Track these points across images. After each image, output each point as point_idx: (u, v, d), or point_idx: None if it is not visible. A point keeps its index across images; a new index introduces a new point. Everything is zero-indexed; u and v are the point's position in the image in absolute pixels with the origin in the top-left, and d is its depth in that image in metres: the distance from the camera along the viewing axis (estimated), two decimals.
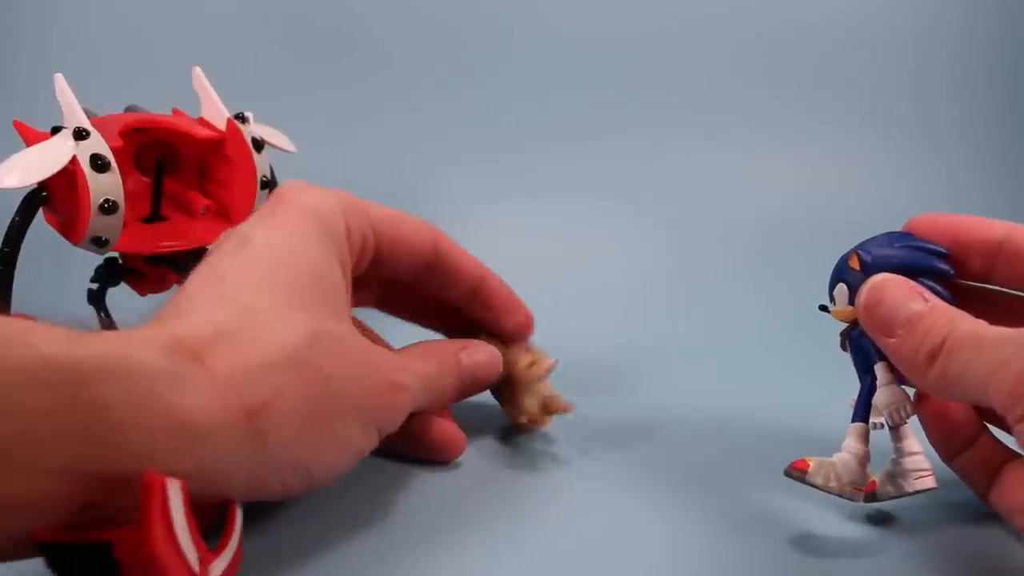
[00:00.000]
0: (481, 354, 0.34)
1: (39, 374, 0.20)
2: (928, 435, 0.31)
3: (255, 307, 0.26)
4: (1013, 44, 0.65)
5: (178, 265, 0.38)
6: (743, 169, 0.62)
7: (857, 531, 0.30)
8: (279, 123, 0.42)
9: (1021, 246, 0.29)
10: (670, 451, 0.36)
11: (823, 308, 0.31)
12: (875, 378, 0.29)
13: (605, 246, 0.57)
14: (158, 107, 0.41)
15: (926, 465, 0.29)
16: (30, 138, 0.36)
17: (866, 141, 0.64)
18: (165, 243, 0.37)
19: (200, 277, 0.27)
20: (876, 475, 0.30)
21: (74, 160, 0.33)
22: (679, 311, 0.52)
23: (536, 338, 0.37)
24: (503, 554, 0.29)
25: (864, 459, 0.29)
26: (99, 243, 0.35)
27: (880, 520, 0.31)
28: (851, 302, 0.30)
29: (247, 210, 0.39)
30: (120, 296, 0.40)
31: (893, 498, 0.30)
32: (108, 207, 0.34)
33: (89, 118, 0.35)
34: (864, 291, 0.29)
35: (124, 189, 0.34)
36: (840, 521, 0.31)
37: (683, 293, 0.54)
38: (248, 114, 0.39)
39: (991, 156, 0.64)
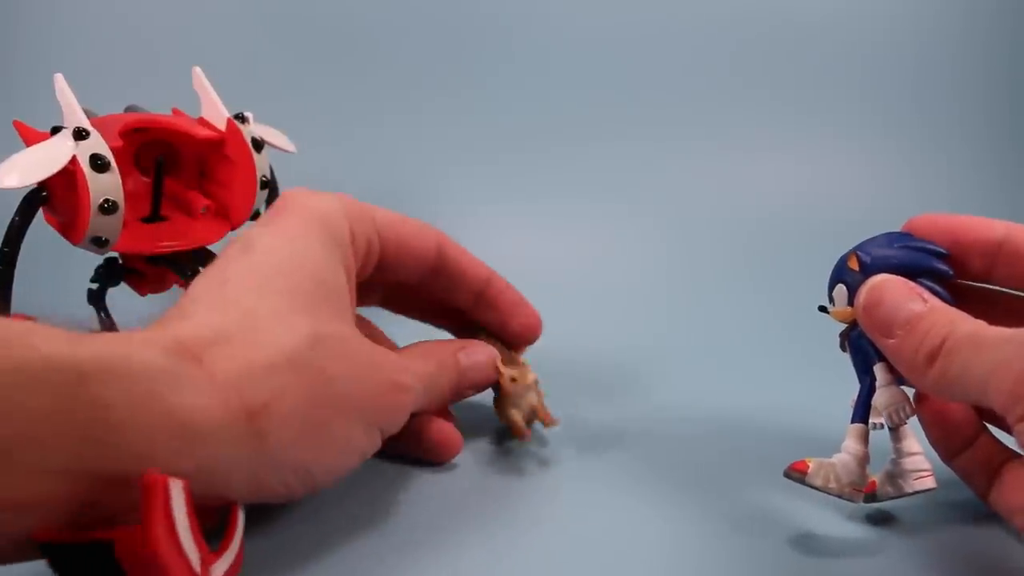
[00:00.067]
0: (480, 355, 0.34)
1: (39, 375, 0.20)
2: (928, 435, 0.31)
3: (256, 310, 0.26)
4: (1013, 44, 0.65)
5: (178, 265, 0.38)
6: (743, 169, 0.62)
7: (857, 531, 0.30)
8: (279, 123, 0.42)
9: (1021, 246, 0.29)
10: (670, 451, 0.36)
11: (822, 309, 0.31)
12: (874, 379, 0.29)
13: (605, 246, 0.57)
14: (158, 107, 0.41)
15: (926, 465, 0.29)
16: (30, 138, 0.36)
17: (866, 141, 0.64)
18: (165, 243, 0.37)
19: (203, 281, 0.27)
20: (876, 475, 0.30)
21: (74, 160, 0.33)
22: (679, 311, 0.52)
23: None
24: (503, 554, 0.29)
25: (864, 460, 0.29)
26: (99, 243, 0.35)
27: (880, 520, 0.31)
28: (850, 303, 0.30)
29: (247, 210, 0.39)
30: (120, 296, 0.40)
31: (893, 498, 0.30)
32: (108, 207, 0.34)
33: (89, 118, 0.35)
34: (863, 292, 0.29)
35: (124, 189, 0.34)
36: (840, 521, 0.31)
37: (683, 293, 0.54)
38: (248, 114, 0.39)
39: (991, 156, 0.64)
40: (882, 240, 0.30)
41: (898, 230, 0.31)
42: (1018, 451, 0.30)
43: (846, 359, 0.31)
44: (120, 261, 0.39)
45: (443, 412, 0.35)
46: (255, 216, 0.40)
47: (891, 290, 0.28)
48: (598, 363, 0.44)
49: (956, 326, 0.26)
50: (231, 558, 0.24)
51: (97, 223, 0.34)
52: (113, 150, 0.34)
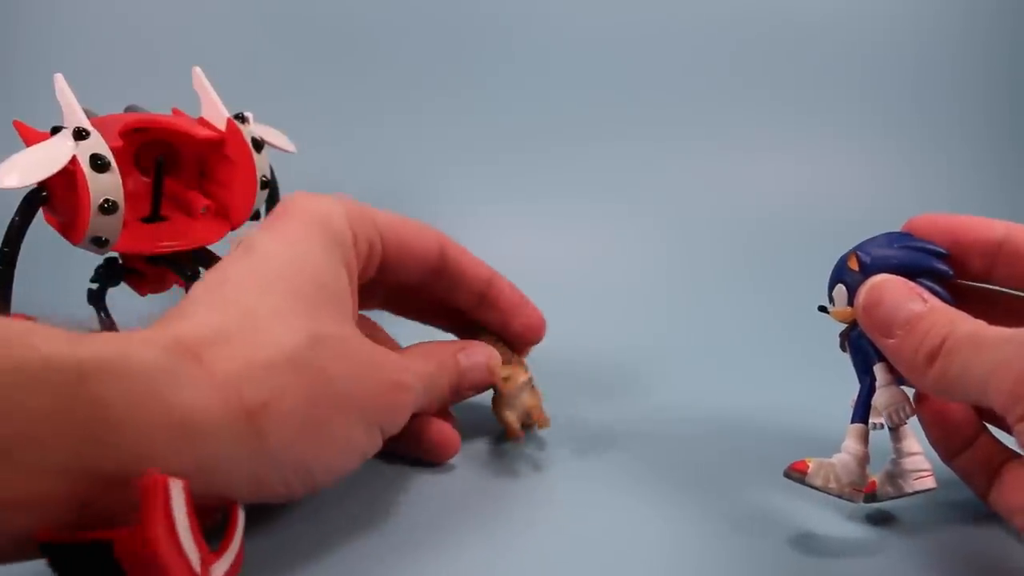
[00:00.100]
0: (479, 355, 0.34)
1: (39, 374, 0.20)
2: (928, 435, 0.31)
3: (256, 310, 0.26)
4: (1013, 44, 0.65)
5: (178, 265, 0.38)
6: (743, 169, 0.62)
7: (857, 531, 0.30)
8: (279, 123, 0.42)
9: (1021, 246, 0.29)
10: (670, 451, 0.36)
11: (822, 309, 0.31)
12: (874, 379, 0.29)
13: (605, 246, 0.57)
14: (158, 107, 0.41)
15: (926, 465, 0.29)
16: (30, 138, 0.36)
17: (866, 141, 0.64)
18: (165, 243, 0.37)
19: (204, 283, 0.28)
20: (876, 475, 0.30)
21: (74, 160, 0.33)
22: (679, 311, 0.52)
23: None
24: (503, 554, 0.29)
25: (863, 460, 0.29)
26: (99, 243, 0.35)
27: (880, 520, 0.31)
28: (850, 303, 0.30)
29: (247, 210, 0.39)
30: (120, 296, 0.40)
31: (893, 498, 0.30)
32: (108, 207, 0.34)
33: (89, 118, 0.35)
34: (863, 292, 0.29)
35: (124, 189, 0.34)
36: (840, 521, 0.31)
37: (683, 293, 0.54)
38: (248, 114, 0.39)
39: (991, 156, 0.64)
40: (882, 240, 0.30)
41: (898, 230, 0.31)
42: (1018, 451, 0.30)
43: (846, 359, 0.31)
44: (120, 261, 0.39)
45: (443, 412, 0.35)
46: (255, 216, 0.40)
47: (891, 290, 0.28)
48: (598, 363, 0.44)
49: (956, 326, 0.26)
50: (231, 558, 0.24)
51: (97, 223, 0.34)
52: (113, 150, 0.34)
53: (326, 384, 0.26)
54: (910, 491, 0.29)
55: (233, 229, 0.39)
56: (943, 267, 0.29)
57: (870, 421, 0.29)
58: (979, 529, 0.30)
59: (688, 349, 0.47)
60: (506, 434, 0.35)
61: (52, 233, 0.36)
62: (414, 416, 0.32)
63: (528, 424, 0.35)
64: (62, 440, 0.20)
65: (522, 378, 0.35)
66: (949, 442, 0.31)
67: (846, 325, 0.31)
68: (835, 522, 0.31)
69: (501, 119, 0.62)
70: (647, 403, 0.40)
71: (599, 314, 0.51)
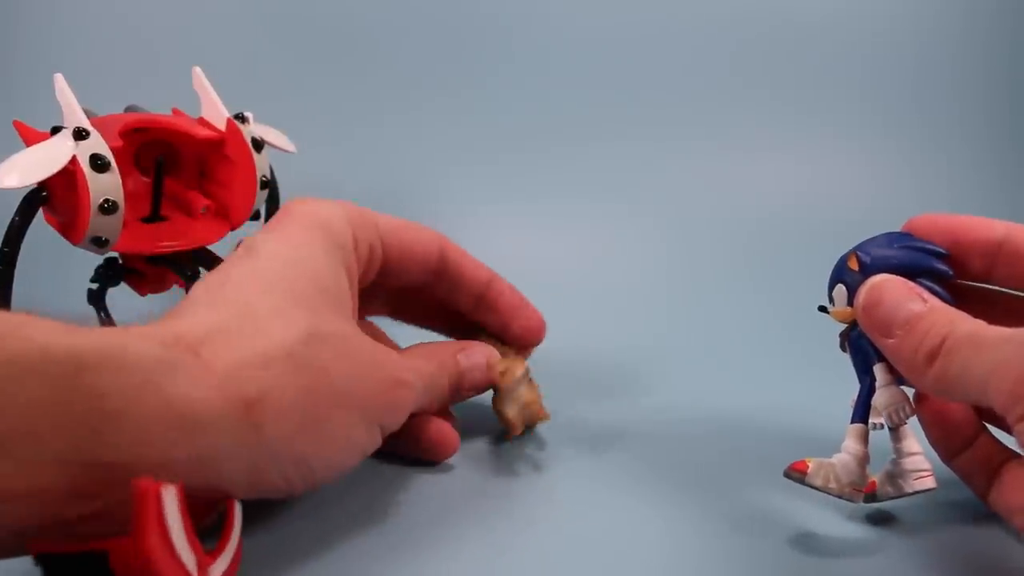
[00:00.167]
0: (479, 355, 0.35)
1: (37, 366, 0.20)
2: (927, 435, 0.31)
3: (256, 308, 0.26)
4: (1013, 44, 0.65)
5: (178, 265, 0.38)
6: (743, 169, 0.62)
7: (857, 531, 0.30)
8: (279, 123, 0.42)
9: (1021, 246, 0.29)
10: (670, 451, 0.36)
11: (822, 309, 0.31)
12: (874, 379, 0.29)
13: (605, 246, 0.57)
14: (158, 107, 0.41)
15: (926, 465, 0.29)
16: (30, 138, 0.36)
17: (866, 141, 0.64)
18: (165, 243, 0.37)
19: (205, 284, 0.28)
20: (876, 476, 0.30)
21: (74, 160, 0.33)
22: (679, 311, 0.52)
23: None
24: (503, 554, 0.29)
25: (863, 460, 0.29)
26: (99, 243, 0.35)
27: (880, 520, 0.31)
28: (850, 303, 0.30)
29: (247, 210, 0.39)
30: (120, 296, 0.40)
31: (893, 498, 0.30)
32: (108, 207, 0.34)
33: (89, 118, 0.35)
34: (863, 292, 0.29)
35: (124, 189, 0.34)
36: (840, 521, 0.31)
37: (683, 293, 0.54)
38: (248, 114, 0.39)
39: (991, 156, 0.64)
40: (882, 240, 0.30)
41: (898, 230, 0.31)
42: (1018, 451, 0.30)
43: (846, 359, 0.31)
44: (120, 261, 0.39)
45: (443, 412, 0.35)
46: (255, 216, 0.40)
47: (890, 290, 0.28)
48: (598, 363, 0.44)
49: (956, 326, 0.26)
50: (229, 558, 0.24)
51: (97, 223, 0.34)
52: (113, 150, 0.34)
53: (325, 380, 0.26)
54: (910, 491, 0.29)
55: (233, 229, 0.39)
56: (943, 267, 0.29)
57: (870, 421, 0.29)
58: (979, 529, 0.30)
59: (688, 349, 0.47)
60: (506, 433, 0.35)
61: (52, 233, 0.36)
62: (414, 415, 0.32)
63: (530, 422, 0.35)
64: (60, 432, 0.20)
65: (519, 371, 0.35)
66: (949, 442, 0.31)
67: (846, 325, 0.31)
68: (835, 522, 0.31)
69: (501, 119, 0.62)
70: (647, 403, 0.40)
71: (599, 314, 0.51)
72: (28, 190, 0.35)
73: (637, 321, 0.50)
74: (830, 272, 0.31)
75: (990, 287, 0.30)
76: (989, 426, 0.31)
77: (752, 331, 0.49)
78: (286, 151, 0.42)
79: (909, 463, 0.29)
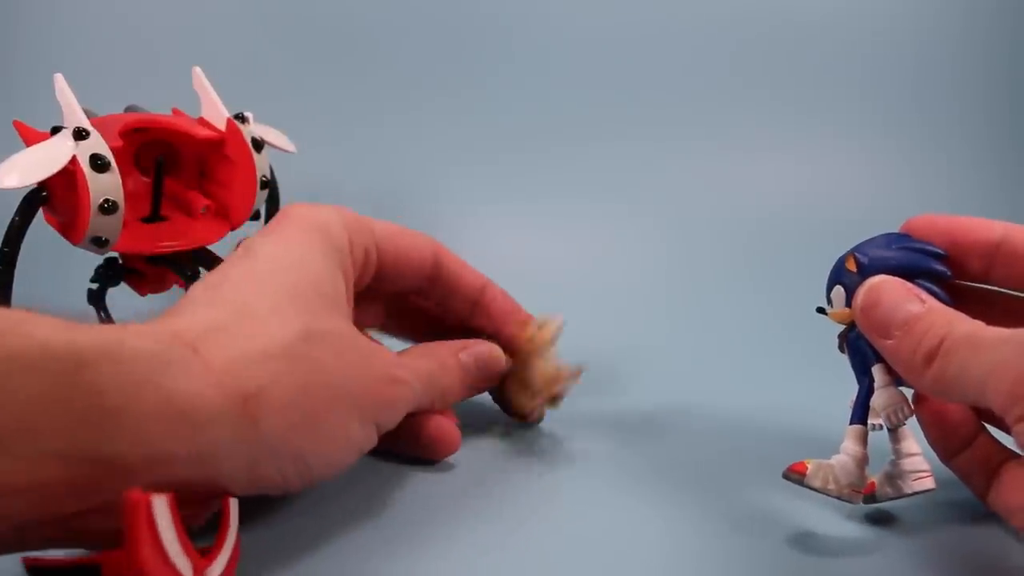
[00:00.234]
0: (481, 346, 0.35)
1: (37, 362, 0.21)
2: (926, 436, 0.31)
3: (253, 306, 0.27)
4: (1013, 44, 0.65)
5: (178, 265, 0.38)
6: (743, 169, 0.62)
7: (857, 531, 0.30)
8: (279, 123, 0.42)
9: (1019, 247, 0.29)
10: (670, 451, 0.36)
11: (820, 310, 0.31)
12: (873, 380, 0.29)
13: (605, 246, 0.57)
14: (158, 107, 0.41)
15: (925, 466, 0.29)
16: (30, 138, 0.36)
17: (866, 141, 0.64)
18: (165, 243, 0.37)
19: (203, 284, 0.28)
20: (875, 476, 0.30)
21: (74, 160, 0.33)
22: (679, 311, 0.52)
23: None
24: (502, 552, 0.29)
25: (862, 461, 0.29)
26: (99, 243, 0.35)
27: (879, 520, 0.31)
28: (848, 304, 0.30)
29: (247, 210, 0.39)
30: (120, 296, 0.40)
31: (892, 499, 0.30)
32: (108, 207, 0.34)
33: (89, 118, 0.35)
34: (861, 293, 0.29)
35: (124, 189, 0.34)
36: (840, 521, 0.31)
37: (683, 293, 0.54)
38: (248, 114, 0.39)
39: (991, 156, 0.64)
40: (880, 241, 0.30)
41: (896, 231, 0.31)
42: (1017, 451, 0.30)
43: (845, 360, 0.31)
44: (120, 261, 0.39)
45: (445, 411, 0.35)
46: (255, 216, 0.40)
47: (889, 291, 0.28)
48: (598, 363, 0.44)
49: (954, 326, 0.26)
50: (225, 558, 0.23)
51: (97, 223, 0.34)
52: (113, 150, 0.34)
53: (321, 376, 0.27)
54: (909, 492, 0.29)
55: (233, 229, 0.39)
56: (941, 268, 0.29)
57: (869, 422, 0.29)
58: (978, 529, 0.30)
59: (688, 349, 0.47)
60: (520, 416, 0.35)
61: (52, 233, 0.36)
62: (413, 413, 0.32)
63: (554, 396, 0.35)
64: (60, 427, 0.21)
65: (556, 323, 0.35)
66: (948, 442, 0.31)
67: (844, 326, 0.31)
68: (834, 522, 0.31)
69: (501, 119, 0.62)
70: (647, 402, 0.40)
71: (599, 314, 0.50)
72: (28, 190, 0.35)
73: (637, 321, 0.50)
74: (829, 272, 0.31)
75: (988, 288, 0.30)
76: (988, 426, 0.31)
77: (752, 331, 0.49)
78: (286, 151, 0.42)
79: (908, 464, 0.29)
